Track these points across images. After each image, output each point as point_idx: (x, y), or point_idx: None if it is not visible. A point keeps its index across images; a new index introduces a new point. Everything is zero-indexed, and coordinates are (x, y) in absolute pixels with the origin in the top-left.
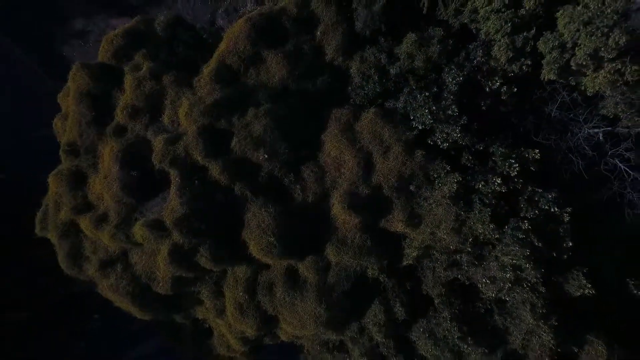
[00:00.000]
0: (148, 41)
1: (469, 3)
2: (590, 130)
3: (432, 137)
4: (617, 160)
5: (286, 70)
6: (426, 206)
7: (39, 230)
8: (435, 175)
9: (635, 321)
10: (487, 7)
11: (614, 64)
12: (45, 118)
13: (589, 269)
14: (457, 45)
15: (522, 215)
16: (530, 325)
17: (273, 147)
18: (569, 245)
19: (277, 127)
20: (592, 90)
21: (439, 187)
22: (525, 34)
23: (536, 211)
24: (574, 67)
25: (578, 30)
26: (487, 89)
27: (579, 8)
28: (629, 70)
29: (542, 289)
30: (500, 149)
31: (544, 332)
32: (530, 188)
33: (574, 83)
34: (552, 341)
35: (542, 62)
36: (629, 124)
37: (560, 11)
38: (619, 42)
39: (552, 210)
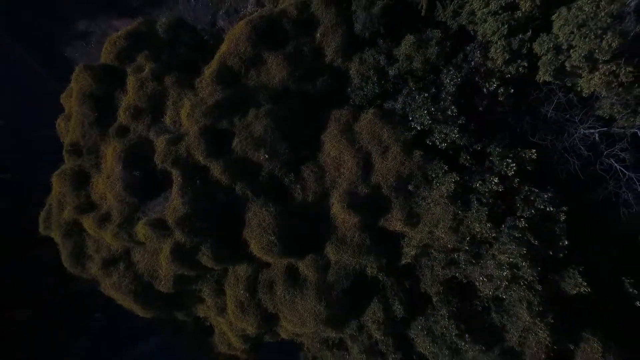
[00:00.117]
0: (150, 43)
1: (466, 5)
2: (586, 131)
3: (431, 137)
4: (612, 160)
5: (286, 72)
6: (424, 205)
7: (43, 230)
8: (434, 175)
9: (632, 320)
10: (484, 9)
11: (608, 66)
12: (46, 118)
13: (586, 269)
14: (455, 46)
15: (518, 214)
16: (527, 322)
17: (273, 148)
18: (565, 244)
19: (277, 128)
20: (587, 92)
21: (437, 186)
22: (521, 36)
23: (532, 210)
24: (569, 69)
25: (572, 32)
26: (485, 90)
27: (573, 10)
28: (623, 71)
29: (539, 287)
30: (497, 149)
31: (540, 330)
32: (526, 188)
33: (569, 84)
34: (548, 338)
35: (538, 63)
36: (625, 125)
37: (556, 14)
38: (612, 45)
39: (548, 209)
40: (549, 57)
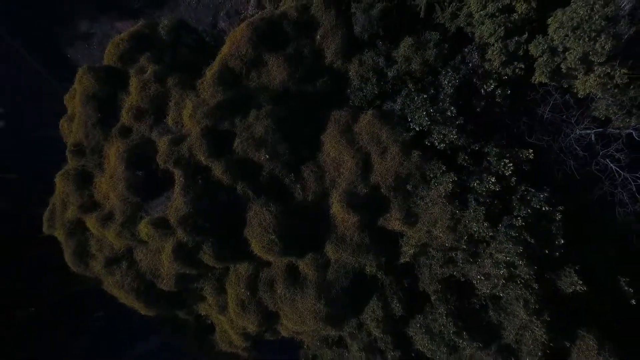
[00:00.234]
0: (152, 45)
1: (464, 7)
2: (582, 132)
3: (429, 138)
4: (608, 161)
5: (287, 73)
6: (422, 205)
7: (47, 229)
8: (432, 175)
9: (629, 320)
10: (481, 12)
11: (603, 68)
12: (46, 118)
13: (583, 269)
14: (454, 48)
15: (515, 214)
16: (524, 320)
17: (274, 148)
18: (561, 242)
19: (278, 129)
20: (583, 93)
21: (435, 186)
22: (517, 38)
23: (528, 210)
24: (564, 71)
25: (567, 35)
26: (483, 91)
27: (568, 13)
28: (618, 73)
29: (535, 286)
30: (494, 149)
31: (537, 327)
32: (523, 187)
33: (566, 85)
34: (544, 336)
35: (534, 65)
36: (620, 125)
37: (552, 17)
38: (605, 47)
39: (544, 209)
40: (544, 59)
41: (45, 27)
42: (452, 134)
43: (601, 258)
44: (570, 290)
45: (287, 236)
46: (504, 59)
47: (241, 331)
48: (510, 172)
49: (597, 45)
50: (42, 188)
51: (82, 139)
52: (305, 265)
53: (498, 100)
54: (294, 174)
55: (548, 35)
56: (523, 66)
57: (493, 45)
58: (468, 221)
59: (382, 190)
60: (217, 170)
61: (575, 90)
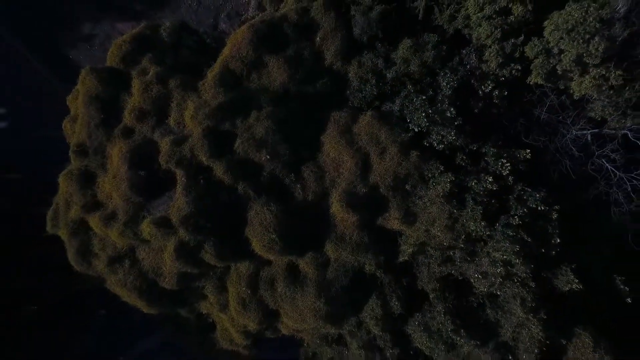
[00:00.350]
0: (154, 46)
1: (462, 10)
2: (578, 132)
3: (428, 138)
4: (603, 161)
5: (287, 75)
6: (421, 205)
7: (50, 228)
8: (430, 175)
9: (626, 318)
10: (479, 14)
11: (598, 70)
12: (46, 118)
13: (579, 269)
14: (452, 50)
15: (512, 213)
16: (521, 318)
17: (275, 148)
18: (557, 241)
19: (278, 129)
20: (578, 94)
21: (433, 186)
22: (513, 40)
23: (525, 209)
24: (560, 72)
25: (562, 38)
26: (480, 92)
27: (563, 16)
28: (613, 75)
29: (532, 284)
30: (492, 149)
31: (534, 325)
32: (519, 187)
33: (562, 87)
34: (541, 334)
35: (531, 67)
36: (616, 126)
37: (548, 19)
38: (599, 49)
39: (540, 208)
40: (540, 60)
41: (45, 28)
42: (451, 135)
43: (597, 257)
44: (567, 288)
45: (288, 235)
46: (500, 60)
47: (242, 329)
48: (507, 171)
49: (591, 47)
50: (42, 188)
51: (85, 140)
52: (306, 264)
53: (495, 101)
54: (294, 174)
55: (544, 37)
56: (520, 68)
57: (490, 47)
58: (466, 220)
59: (381, 190)
60: (219, 170)
61: (571, 92)
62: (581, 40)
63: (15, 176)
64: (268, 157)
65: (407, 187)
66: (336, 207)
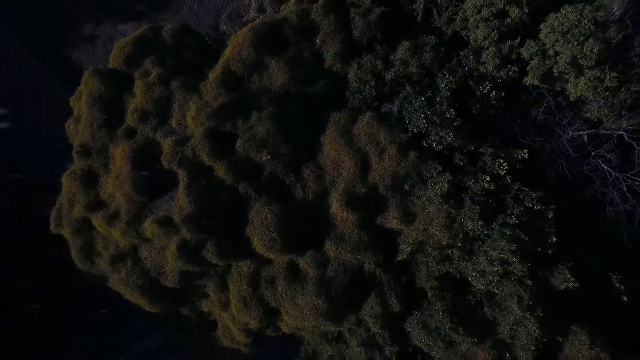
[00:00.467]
0: (156, 48)
1: (460, 12)
2: (574, 133)
3: (427, 139)
4: (599, 161)
5: (287, 76)
6: (419, 204)
7: (54, 227)
8: (428, 175)
9: (622, 317)
10: (476, 16)
11: (593, 72)
12: (47, 119)
13: (576, 268)
14: (450, 51)
15: (509, 212)
16: (518, 316)
17: (275, 149)
18: (554, 240)
19: (279, 130)
20: (574, 96)
21: (432, 186)
22: (509, 42)
23: (522, 209)
24: (556, 74)
25: (557, 40)
26: (478, 93)
27: (559, 19)
28: (608, 77)
29: (529, 282)
30: (489, 149)
31: (530, 323)
32: (516, 187)
33: (558, 88)
34: (537, 331)
35: (527, 68)
36: (611, 127)
37: (544, 22)
38: (593, 51)
39: (536, 207)
40: (535, 62)
41: (46, 28)
42: (450, 136)
43: (593, 256)
44: (563, 287)
45: (288, 234)
46: (498, 62)
47: (243, 327)
48: (504, 171)
49: (585, 49)
50: (42, 188)
51: (88, 140)
52: (306, 263)
53: (493, 102)
54: (294, 174)
55: (540, 39)
56: (517, 69)
57: (487, 48)
58: (463, 219)
59: (380, 189)
60: (220, 170)
61: (567, 93)
62: (576, 42)
63: (16, 176)
64: (269, 157)
65: (406, 186)
66: (336, 207)
